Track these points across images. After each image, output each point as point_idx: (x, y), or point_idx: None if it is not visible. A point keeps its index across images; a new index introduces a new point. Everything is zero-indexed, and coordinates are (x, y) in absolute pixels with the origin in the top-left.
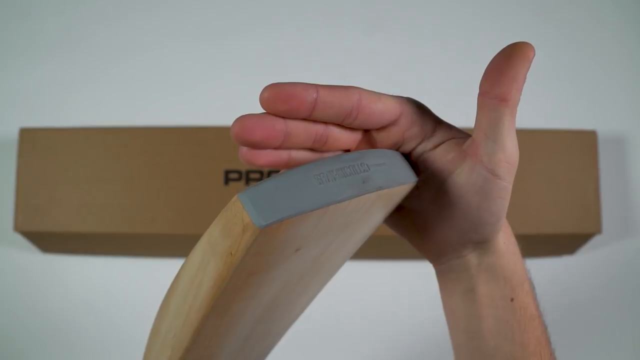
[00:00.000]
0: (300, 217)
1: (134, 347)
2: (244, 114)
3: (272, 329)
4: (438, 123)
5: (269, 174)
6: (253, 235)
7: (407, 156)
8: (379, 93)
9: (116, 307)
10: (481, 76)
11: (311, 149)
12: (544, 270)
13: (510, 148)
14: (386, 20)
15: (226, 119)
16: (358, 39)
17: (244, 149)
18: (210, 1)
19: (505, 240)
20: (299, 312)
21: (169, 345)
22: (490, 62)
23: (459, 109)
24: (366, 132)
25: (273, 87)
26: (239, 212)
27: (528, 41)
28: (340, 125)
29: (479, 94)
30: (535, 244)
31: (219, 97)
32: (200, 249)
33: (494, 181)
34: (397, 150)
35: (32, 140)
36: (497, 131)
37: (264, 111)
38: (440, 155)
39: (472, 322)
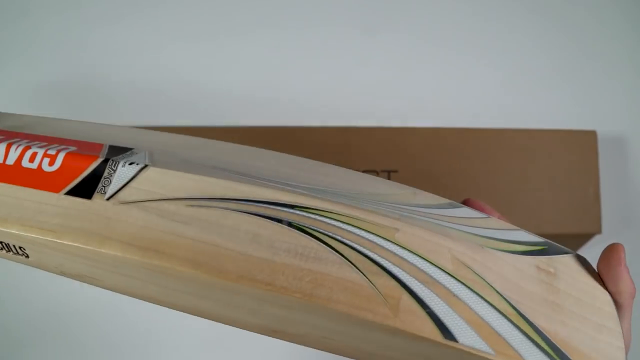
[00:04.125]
0: None
1: (134, 347)
2: None
3: None
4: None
5: None
6: None
7: None
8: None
9: (115, 307)
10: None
11: None
12: None
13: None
14: (386, 21)
15: (226, 120)
16: (358, 39)
17: None
18: (210, 1)
19: None
20: None
21: None
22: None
23: (458, 109)
24: None
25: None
26: None
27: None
28: None
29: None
30: None
31: (219, 97)
32: None
33: None
34: None
35: None
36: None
37: None
38: None
39: None
